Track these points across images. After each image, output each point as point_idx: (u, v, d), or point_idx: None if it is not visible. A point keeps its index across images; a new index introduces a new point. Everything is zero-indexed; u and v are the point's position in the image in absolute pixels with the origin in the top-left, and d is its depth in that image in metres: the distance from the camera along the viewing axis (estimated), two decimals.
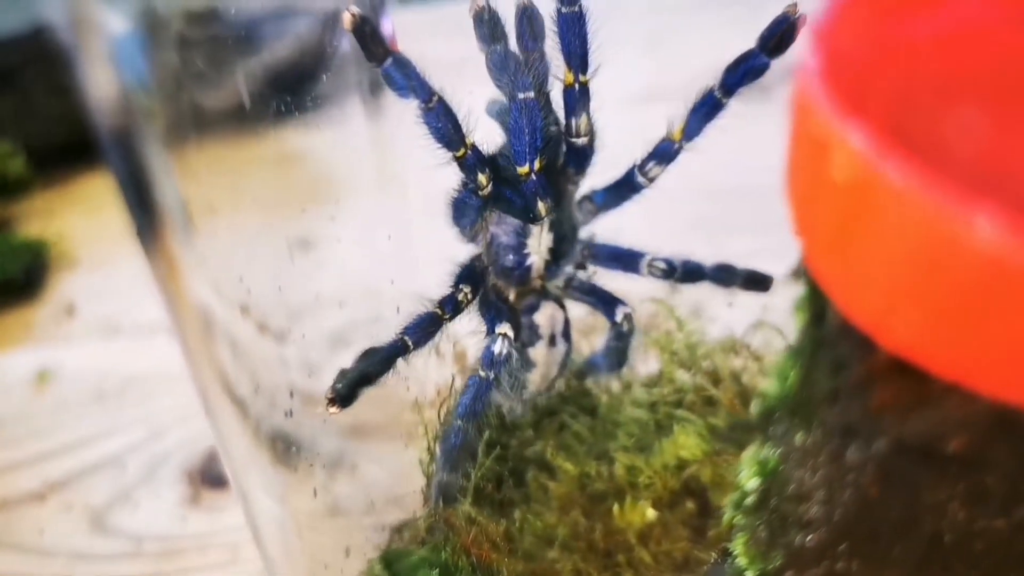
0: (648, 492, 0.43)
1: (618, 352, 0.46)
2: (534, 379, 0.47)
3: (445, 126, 0.37)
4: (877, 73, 0.21)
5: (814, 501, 0.26)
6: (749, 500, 0.29)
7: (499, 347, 0.41)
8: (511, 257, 0.43)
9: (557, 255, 0.44)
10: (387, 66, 0.35)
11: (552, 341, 0.46)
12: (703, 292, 0.46)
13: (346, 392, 0.36)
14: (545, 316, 0.45)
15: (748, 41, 0.37)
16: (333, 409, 0.36)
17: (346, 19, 0.34)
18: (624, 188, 0.43)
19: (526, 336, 0.45)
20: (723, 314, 0.50)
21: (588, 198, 0.44)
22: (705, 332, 0.50)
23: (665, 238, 0.45)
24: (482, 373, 0.41)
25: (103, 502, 0.63)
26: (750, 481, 0.28)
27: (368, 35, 0.35)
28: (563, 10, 0.37)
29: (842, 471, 0.25)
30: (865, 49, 0.21)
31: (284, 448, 0.40)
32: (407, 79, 0.36)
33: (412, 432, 0.47)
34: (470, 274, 0.43)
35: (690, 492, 0.43)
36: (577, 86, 0.39)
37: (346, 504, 0.46)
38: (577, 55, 0.38)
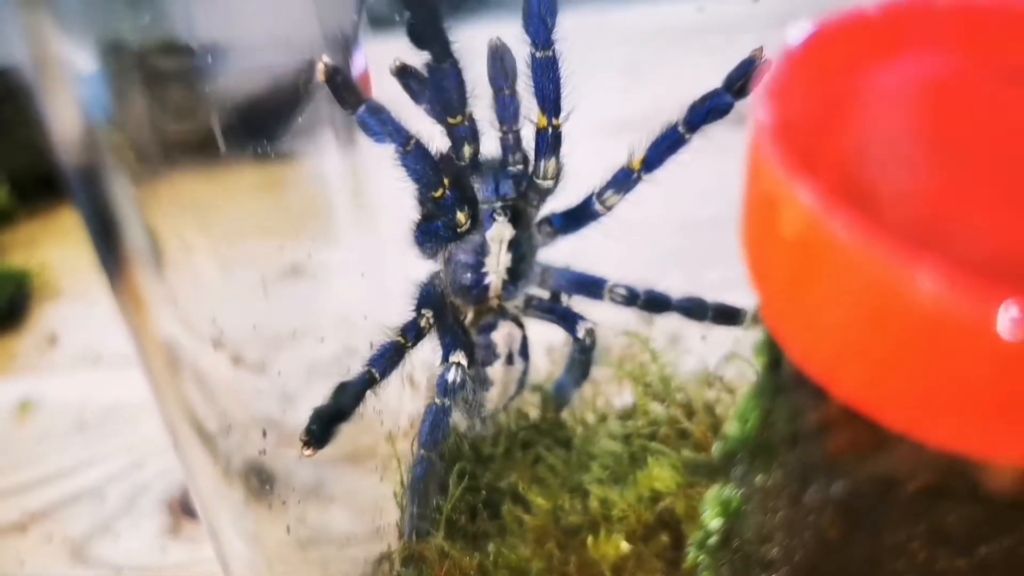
0: (622, 525, 0.43)
1: (582, 365, 0.46)
2: (491, 397, 0.47)
3: (423, 168, 0.38)
4: (828, 129, 0.21)
5: (775, 542, 0.26)
6: (712, 540, 0.29)
7: (452, 375, 0.41)
8: (469, 276, 0.43)
9: (515, 275, 0.44)
10: (361, 113, 0.36)
11: (510, 359, 0.46)
12: (678, 324, 0.46)
13: (320, 432, 0.36)
14: (502, 335, 0.45)
15: (724, 72, 0.38)
16: (308, 451, 0.36)
17: (319, 70, 0.34)
18: (581, 215, 0.43)
19: (483, 355, 0.45)
20: (698, 346, 0.50)
21: (547, 220, 0.44)
22: (679, 364, 0.50)
23: (641, 268, 0.45)
24: (437, 401, 0.41)
25: (84, 533, 0.63)
26: (713, 521, 0.29)
27: (340, 84, 0.35)
28: (537, 54, 0.37)
29: (802, 513, 0.25)
30: (817, 105, 0.22)
31: (258, 484, 0.40)
32: (382, 125, 0.36)
33: (388, 464, 0.47)
34: (430, 295, 0.43)
35: (664, 525, 0.43)
36: (550, 130, 0.39)
37: (321, 539, 0.46)
38: (551, 99, 0.38)
